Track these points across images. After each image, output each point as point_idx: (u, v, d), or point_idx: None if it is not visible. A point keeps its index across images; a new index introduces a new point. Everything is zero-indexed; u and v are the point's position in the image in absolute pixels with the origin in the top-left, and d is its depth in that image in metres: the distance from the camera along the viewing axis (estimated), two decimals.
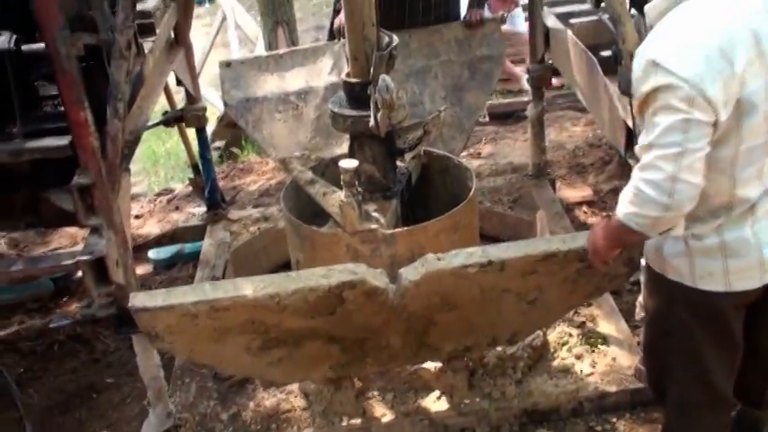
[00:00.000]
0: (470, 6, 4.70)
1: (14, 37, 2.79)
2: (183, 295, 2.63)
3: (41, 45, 2.63)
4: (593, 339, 3.52)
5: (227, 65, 4.50)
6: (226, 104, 4.57)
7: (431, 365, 3.29)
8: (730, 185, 2.18)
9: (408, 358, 3.10)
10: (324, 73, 4.42)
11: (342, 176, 3.09)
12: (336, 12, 4.63)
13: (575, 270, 2.75)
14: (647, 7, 2.27)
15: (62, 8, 2.52)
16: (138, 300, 2.62)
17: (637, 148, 2.16)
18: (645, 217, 2.11)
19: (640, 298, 3.09)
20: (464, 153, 5.39)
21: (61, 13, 2.50)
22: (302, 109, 4.42)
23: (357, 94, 3.18)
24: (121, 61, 2.67)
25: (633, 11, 3.08)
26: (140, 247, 4.89)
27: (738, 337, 2.42)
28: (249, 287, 2.60)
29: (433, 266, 2.64)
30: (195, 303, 2.57)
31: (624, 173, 4.19)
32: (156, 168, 7.05)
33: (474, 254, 2.65)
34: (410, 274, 2.66)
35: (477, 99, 4.60)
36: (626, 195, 2.16)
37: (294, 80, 4.44)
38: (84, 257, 2.73)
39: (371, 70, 3.07)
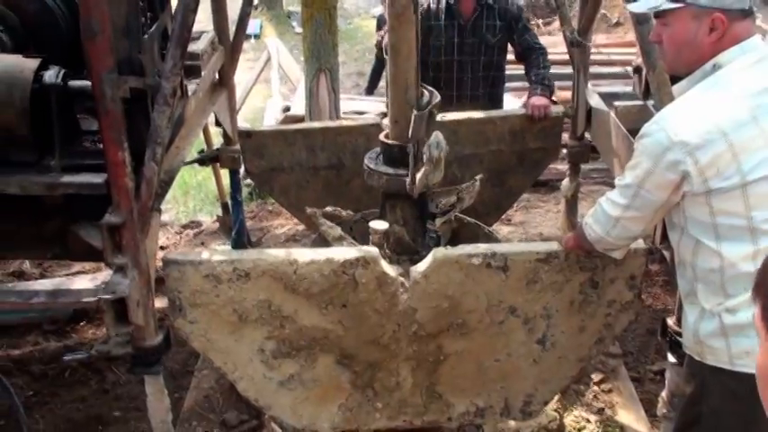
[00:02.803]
0: (533, 92, 4.36)
1: (62, 72, 2.80)
2: (209, 256, 2.82)
3: (87, 82, 2.64)
4: (610, 428, 3.44)
5: (247, 135, 4.27)
6: (248, 172, 4.44)
7: None
8: (754, 252, 2.17)
9: (418, 411, 3.03)
10: (359, 152, 4.18)
11: (371, 237, 3.07)
12: (379, 27, 4.49)
13: (578, 285, 2.79)
14: (673, 88, 2.51)
15: (113, 50, 2.53)
16: (171, 254, 2.86)
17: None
18: (592, 230, 2.52)
19: (663, 393, 3.01)
20: None
21: (112, 55, 2.51)
22: (333, 181, 4.28)
23: (395, 155, 3.16)
24: (165, 107, 2.67)
25: None
26: (162, 280, 4.87)
27: None
28: (271, 253, 2.85)
29: (440, 254, 2.80)
30: (220, 262, 2.75)
31: (655, 255, 4.12)
32: (186, 199, 7.07)
33: (479, 247, 2.88)
34: (420, 266, 2.81)
35: (520, 183, 4.46)
36: (594, 207, 2.52)
37: (324, 155, 4.26)
38: (107, 296, 2.72)
39: (410, 130, 3.06)
